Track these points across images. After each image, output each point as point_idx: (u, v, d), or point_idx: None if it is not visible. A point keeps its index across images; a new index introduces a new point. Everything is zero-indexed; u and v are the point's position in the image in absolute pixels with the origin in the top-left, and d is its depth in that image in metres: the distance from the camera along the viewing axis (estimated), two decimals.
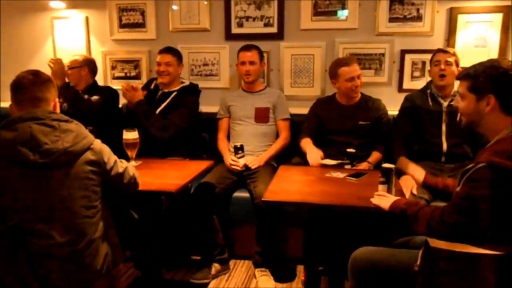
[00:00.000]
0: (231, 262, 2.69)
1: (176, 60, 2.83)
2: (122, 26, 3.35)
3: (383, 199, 1.63)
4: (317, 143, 2.60)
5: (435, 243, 1.16)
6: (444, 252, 1.14)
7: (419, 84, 2.86)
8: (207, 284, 2.48)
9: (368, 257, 1.52)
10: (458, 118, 1.53)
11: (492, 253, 1.12)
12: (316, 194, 1.83)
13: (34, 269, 1.45)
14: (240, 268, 2.66)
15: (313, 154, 2.43)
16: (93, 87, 3.00)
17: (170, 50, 2.85)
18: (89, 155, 1.54)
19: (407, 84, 3.00)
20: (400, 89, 3.01)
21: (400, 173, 2.26)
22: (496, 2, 2.77)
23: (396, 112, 2.75)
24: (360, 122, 2.63)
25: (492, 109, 1.39)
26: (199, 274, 2.51)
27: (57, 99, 1.65)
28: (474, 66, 1.46)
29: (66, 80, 2.87)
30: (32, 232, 1.45)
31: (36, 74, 1.59)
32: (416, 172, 1.86)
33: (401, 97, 2.74)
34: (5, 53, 3.54)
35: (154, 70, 2.94)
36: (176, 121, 2.69)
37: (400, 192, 1.80)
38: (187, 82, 2.90)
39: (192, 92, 2.86)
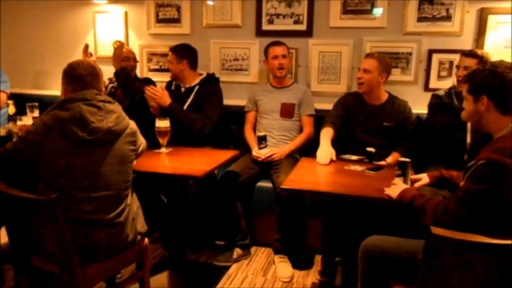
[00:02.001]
0: (253, 249, 2.82)
1: (175, 58, 2.88)
2: (158, 21, 3.52)
3: (393, 188, 1.70)
4: (340, 139, 2.66)
5: (437, 230, 1.24)
6: (445, 239, 1.21)
7: (446, 84, 2.88)
8: (229, 267, 2.62)
9: (377, 245, 1.60)
10: None
11: (492, 241, 1.18)
12: (332, 185, 1.92)
13: (74, 233, 1.62)
14: (261, 255, 2.78)
15: (324, 151, 2.30)
16: (135, 77, 3.22)
17: (171, 49, 2.94)
18: (127, 135, 1.75)
19: (434, 83, 3.02)
20: (426, 88, 3.04)
21: None
22: None
23: (421, 111, 2.79)
24: (385, 123, 2.66)
25: (487, 109, 1.48)
26: (221, 257, 2.66)
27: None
28: (475, 69, 1.53)
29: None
30: (76, 200, 1.63)
31: (92, 66, 1.78)
32: (420, 180, 1.91)
33: (427, 96, 2.76)
34: (51, 44, 3.82)
35: None
36: (211, 114, 2.82)
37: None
38: (204, 74, 3.00)
39: (212, 81, 2.99)
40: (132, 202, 1.88)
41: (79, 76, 1.72)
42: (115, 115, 1.70)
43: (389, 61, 2.76)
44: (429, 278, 1.25)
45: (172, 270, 2.53)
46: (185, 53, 2.92)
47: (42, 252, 1.71)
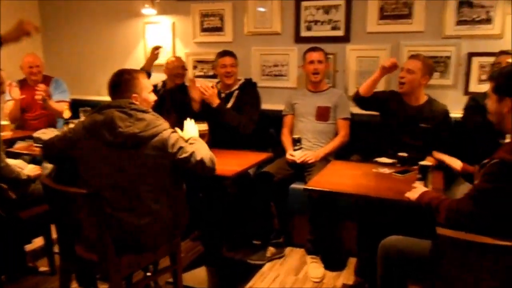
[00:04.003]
0: (288, 249, 2.91)
1: (236, 62, 3.11)
2: (203, 30, 3.74)
3: (413, 191, 1.73)
4: (377, 139, 2.77)
5: (442, 231, 1.28)
6: (449, 239, 1.25)
7: (487, 87, 2.80)
8: (262, 265, 2.72)
9: (394, 245, 1.65)
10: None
11: (498, 243, 1.20)
12: (356, 187, 1.97)
13: (109, 229, 1.75)
14: (295, 255, 2.86)
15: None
16: (183, 85, 3.43)
17: (231, 53, 3.12)
18: (156, 142, 1.79)
19: (474, 87, 2.97)
20: (466, 92, 2.99)
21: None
22: None
23: (460, 115, 2.75)
24: (422, 125, 2.67)
25: (510, 111, 1.45)
26: (255, 256, 2.78)
27: (136, 94, 1.90)
28: (503, 67, 1.52)
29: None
30: (105, 198, 1.77)
31: (117, 74, 1.93)
32: (452, 162, 1.94)
33: (466, 100, 2.74)
34: (106, 53, 4.16)
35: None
36: (253, 116, 2.98)
37: (436, 190, 1.87)
38: (242, 79, 3.15)
39: (251, 86, 3.14)
40: (169, 203, 1.89)
41: (112, 84, 1.91)
42: (144, 123, 1.79)
43: (433, 64, 2.79)
44: (437, 278, 1.30)
45: (209, 266, 2.64)
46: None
47: (83, 242, 1.86)
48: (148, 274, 2.30)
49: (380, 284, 1.69)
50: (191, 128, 2.12)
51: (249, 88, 3.12)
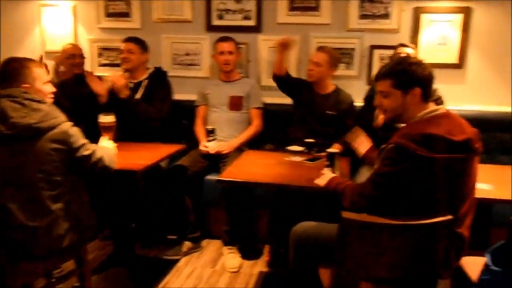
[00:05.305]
0: (205, 242, 2.87)
1: (140, 49, 2.91)
2: (108, 15, 3.49)
3: (322, 178, 1.80)
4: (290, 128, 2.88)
5: (346, 214, 1.34)
6: (352, 222, 1.32)
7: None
8: (178, 260, 2.65)
9: (304, 231, 1.70)
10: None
11: (393, 223, 1.30)
12: (269, 176, 2.00)
13: (1, 233, 1.61)
14: (212, 247, 2.83)
15: None
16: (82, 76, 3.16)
17: (133, 39, 2.94)
18: (54, 134, 1.68)
19: None
20: (369, 82, 3.18)
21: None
22: (458, 3, 2.95)
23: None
24: (328, 112, 2.81)
25: (417, 100, 1.54)
26: (171, 251, 2.69)
27: (28, 85, 1.73)
28: (387, 66, 1.59)
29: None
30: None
31: (5, 62, 1.76)
32: (360, 146, 2.02)
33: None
34: None
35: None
36: (163, 107, 2.86)
37: (343, 175, 1.97)
38: (152, 68, 3.02)
39: (161, 75, 3.02)
40: (74, 210, 1.81)
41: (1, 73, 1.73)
42: (41, 113, 1.67)
43: (339, 56, 2.93)
44: (343, 259, 1.36)
45: (120, 266, 2.52)
46: (146, 46, 2.97)
47: None
48: (52, 280, 2.10)
49: (292, 269, 1.73)
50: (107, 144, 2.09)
51: (159, 77, 3.00)
